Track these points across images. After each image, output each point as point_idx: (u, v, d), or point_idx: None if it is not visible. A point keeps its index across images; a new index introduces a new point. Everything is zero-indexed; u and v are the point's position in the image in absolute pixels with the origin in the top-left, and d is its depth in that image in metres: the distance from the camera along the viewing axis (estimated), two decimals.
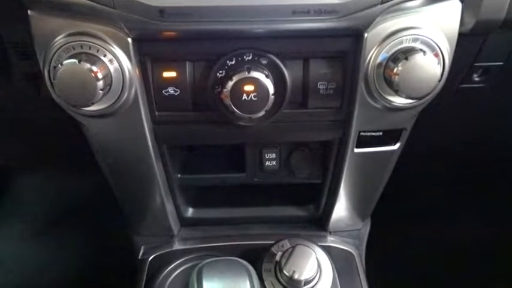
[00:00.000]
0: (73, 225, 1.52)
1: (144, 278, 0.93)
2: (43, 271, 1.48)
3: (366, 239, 1.06)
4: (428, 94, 0.69)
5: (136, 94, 0.72)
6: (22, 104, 0.93)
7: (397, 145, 0.84)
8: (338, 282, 0.88)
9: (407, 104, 0.73)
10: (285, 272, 0.83)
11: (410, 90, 0.67)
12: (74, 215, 1.52)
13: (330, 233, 1.02)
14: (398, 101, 0.72)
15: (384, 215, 1.08)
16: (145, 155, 0.82)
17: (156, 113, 0.77)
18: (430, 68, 0.66)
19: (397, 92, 0.68)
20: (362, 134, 0.80)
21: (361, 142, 0.81)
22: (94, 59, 0.65)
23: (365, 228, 1.07)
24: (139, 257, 0.98)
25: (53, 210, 1.56)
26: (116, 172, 0.89)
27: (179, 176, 0.91)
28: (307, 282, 0.83)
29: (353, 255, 0.98)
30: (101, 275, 1.38)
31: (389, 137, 0.82)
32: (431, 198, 1.45)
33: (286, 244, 0.90)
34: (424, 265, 1.39)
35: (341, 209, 0.98)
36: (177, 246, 0.99)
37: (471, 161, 1.33)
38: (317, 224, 1.02)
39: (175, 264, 0.94)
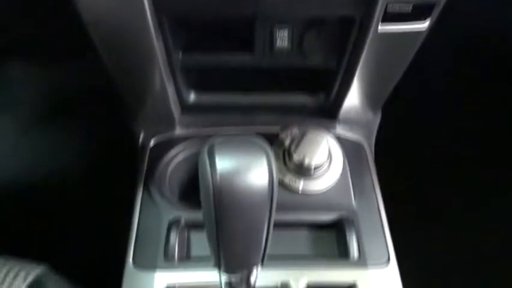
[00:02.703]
0: (68, 115, 1.45)
1: (146, 163, 0.89)
2: (38, 164, 1.45)
3: (375, 130, 1.01)
4: None
5: None
6: None
7: (426, 23, 0.75)
8: (348, 170, 0.85)
9: None
10: (294, 158, 0.79)
11: None
12: (69, 104, 1.45)
13: (340, 122, 0.97)
14: None
15: (396, 106, 1.02)
16: (144, 29, 0.73)
17: None
18: None
19: None
20: (389, 7, 0.70)
21: (387, 17, 0.72)
22: None
23: (375, 119, 1.02)
24: (140, 143, 0.94)
25: (45, 100, 1.48)
26: (112, 51, 0.80)
27: (181, 54, 0.83)
28: (317, 168, 0.80)
29: (362, 145, 0.95)
30: (99, 165, 1.35)
31: (419, 11, 0.72)
32: (450, 93, 1.38)
33: (295, 130, 0.85)
34: (435, 154, 1.36)
35: (353, 98, 0.92)
36: (179, 132, 0.94)
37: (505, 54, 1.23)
38: (326, 113, 0.97)
39: (177, 149, 0.90)
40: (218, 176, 0.44)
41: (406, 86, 0.93)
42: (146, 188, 0.84)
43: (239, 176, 0.44)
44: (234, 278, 0.56)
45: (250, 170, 0.45)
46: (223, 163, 0.44)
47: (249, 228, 0.48)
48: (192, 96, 0.93)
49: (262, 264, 0.55)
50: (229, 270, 0.54)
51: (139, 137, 0.95)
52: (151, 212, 0.80)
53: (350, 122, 0.97)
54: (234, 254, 0.51)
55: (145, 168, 0.89)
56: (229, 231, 0.47)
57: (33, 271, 0.73)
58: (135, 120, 0.96)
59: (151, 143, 0.93)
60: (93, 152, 1.36)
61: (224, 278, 0.56)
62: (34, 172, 1.42)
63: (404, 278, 0.73)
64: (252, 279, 0.58)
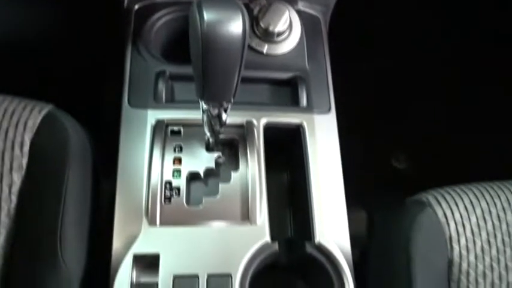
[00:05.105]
0: None
1: (132, 25, 1.02)
2: (17, 31, 1.48)
3: (332, 7, 1.16)
4: None
5: None
6: None
7: None
8: (304, 39, 1.02)
9: None
10: (261, 25, 0.96)
11: None
12: None
13: None
14: None
15: None
16: None
17: None
18: None
19: None
20: None
21: None
22: None
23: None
24: (125, 7, 1.05)
25: None
26: None
27: None
28: (279, 34, 0.97)
29: (319, 19, 1.11)
30: (88, 25, 1.41)
31: None
32: None
33: (263, 1, 0.99)
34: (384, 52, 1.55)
35: None
36: None
37: None
38: None
39: (159, 13, 1.03)
40: (205, 24, 0.60)
41: None
42: (134, 45, 0.98)
43: (221, 25, 0.60)
44: (212, 108, 0.75)
45: (229, 21, 0.61)
46: (209, 15, 0.60)
47: (226, 66, 0.65)
48: None
49: (233, 99, 0.73)
50: (209, 99, 0.72)
51: (123, 2, 1.06)
52: (140, 65, 0.96)
53: None
54: (213, 86, 0.68)
55: (132, 28, 1.02)
56: (212, 67, 0.65)
57: (46, 107, 0.90)
58: None
59: (136, 7, 1.04)
60: (81, 14, 1.42)
61: (204, 107, 0.75)
62: (10, 37, 1.47)
63: (340, 122, 0.96)
64: (224, 115, 0.77)
